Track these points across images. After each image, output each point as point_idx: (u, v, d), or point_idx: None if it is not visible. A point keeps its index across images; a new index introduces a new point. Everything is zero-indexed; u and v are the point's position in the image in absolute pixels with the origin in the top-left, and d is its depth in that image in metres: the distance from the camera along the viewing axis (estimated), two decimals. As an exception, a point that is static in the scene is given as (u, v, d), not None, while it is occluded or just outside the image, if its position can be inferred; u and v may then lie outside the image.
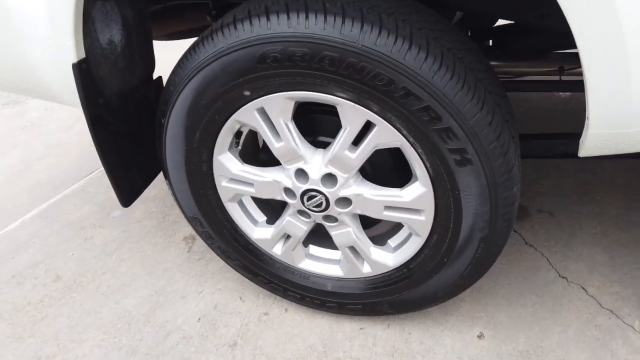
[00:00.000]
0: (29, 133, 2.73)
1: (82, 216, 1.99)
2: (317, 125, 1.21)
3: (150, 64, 1.37)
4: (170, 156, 1.25)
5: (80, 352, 1.42)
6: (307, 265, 1.36)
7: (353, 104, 1.02)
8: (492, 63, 1.37)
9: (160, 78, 1.41)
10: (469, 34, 1.72)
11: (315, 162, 1.15)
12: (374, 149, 1.08)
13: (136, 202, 1.98)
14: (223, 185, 1.27)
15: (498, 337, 1.33)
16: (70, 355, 1.42)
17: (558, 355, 1.26)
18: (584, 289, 1.43)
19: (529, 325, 1.35)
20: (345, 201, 1.17)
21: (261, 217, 1.37)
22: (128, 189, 1.36)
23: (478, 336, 1.33)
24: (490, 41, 1.69)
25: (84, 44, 1.12)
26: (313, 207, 1.20)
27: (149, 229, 1.87)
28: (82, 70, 1.13)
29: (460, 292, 1.25)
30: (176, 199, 1.36)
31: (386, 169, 1.20)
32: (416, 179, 1.10)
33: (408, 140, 1.03)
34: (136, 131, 1.35)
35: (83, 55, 1.12)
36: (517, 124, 1.10)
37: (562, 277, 1.47)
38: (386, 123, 1.02)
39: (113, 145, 1.29)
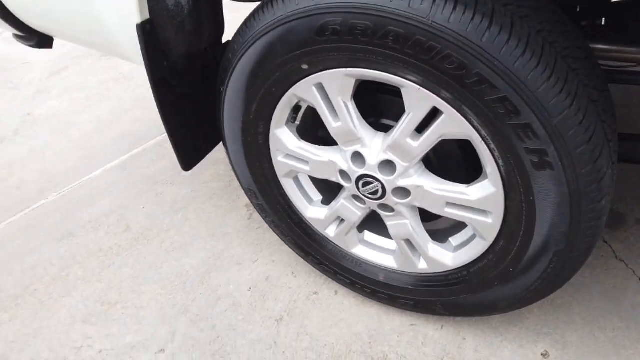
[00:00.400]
0: (120, 86, 2.86)
1: (156, 171, 2.07)
2: (381, 106, 1.10)
3: (220, 27, 1.32)
4: (228, 126, 1.22)
5: (139, 303, 1.50)
6: (360, 251, 1.29)
7: (418, 87, 0.90)
8: (599, 47, 1.15)
9: (229, 43, 1.36)
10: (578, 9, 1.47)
11: (374, 146, 1.05)
12: (439, 139, 0.96)
13: (206, 163, 2.04)
14: (279, 160, 1.22)
15: (565, 358, 1.18)
16: (129, 305, 1.50)
17: (634, 392, 1.10)
18: (681, 319, 1.23)
19: (605, 352, 1.18)
20: (403, 191, 1.07)
21: (317, 197, 1.31)
22: (189, 153, 1.36)
23: (542, 354, 1.19)
24: (603, 19, 1.43)
25: (149, 5, 1.09)
26: (368, 193, 1.11)
27: (215, 191, 1.90)
28: (146, 32, 1.11)
29: (526, 306, 1.11)
30: (233, 168, 1.34)
31: (454, 162, 1.07)
32: (486, 177, 0.97)
33: (479, 134, 0.90)
34: (201, 96, 1.33)
35: (147, 16, 1.10)
36: (617, 123, 0.91)
37: (655, 301, 1.27)
38: (455, 112, 0.90)
39: (176, 108, 1.28)
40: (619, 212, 1.53)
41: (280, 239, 1.43)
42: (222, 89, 1.16)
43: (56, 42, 1.74)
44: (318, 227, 1.31)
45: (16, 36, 1.58)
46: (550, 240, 0.94)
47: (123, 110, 2.57)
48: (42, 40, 1.56)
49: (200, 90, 1.32)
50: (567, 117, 0.80)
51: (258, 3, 1.05)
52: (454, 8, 0.79)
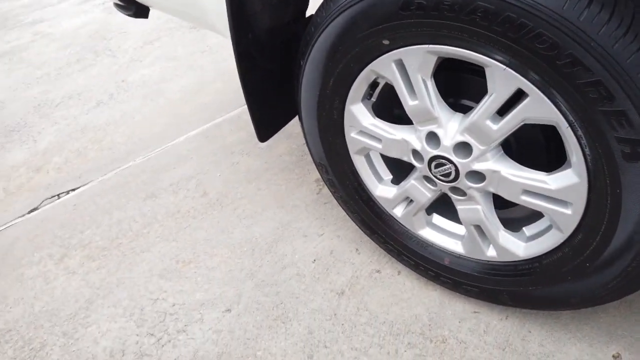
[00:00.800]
0: (206, 57, 2.99)
1: (234, 141, 2.16)
2: (461, 86, 1.07)
3: (304, 1, 1.34)
4: (305, 99, 1.24)
5: (210, 264, 1.59)
6: (427, 233, 1.28)
7: (504, 67, 0.87)
8: None
9: (312, 17, 1.38)
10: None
11: (451, 127, 1.03)
12: (522, 123, 0.92)
13: (281, 137, 2.09)
14: (352, 137, 1.23)
15: (639, 365, 1.11)
16: (201, 265, 1.59)
17: None
18: None
19: (686, 364, 1.10)
20: (477, 175, 1.04)
21: (387, 175, 1.31)
22: (266, 125, 1.41)
23: (614, 356, 1.13)
24: None
25: None
26: (440, 175, 1.09)
27: (287, 165, 1.95)
28: (234, 3, 1.15)
29: (601, 304, 1.05)
30: (307, 142, 1.37)
31: (535, 148, 1.02)
32: (569, 166, 0.92)
33: (566, 119, 0.85)
34: (281, 70, 1.36)
35: None
36: None
37: None
38: (541, 94, 0.85)
39: (257, 80, 1.32)
40: None
41: (347, 215, 1.45)
42: (301, 62, 1.18)
43: (151, 14, 1.86)
44: (386, 206, 1.31)
45: (116, 5, 1.70)
46: (634, 237, 0.88)
47: (207, 82, 2.70)
48: (139, 10, 1.67)
49: (281, 65, 1.35)
50: (669, 106, 0.74)
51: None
52: (550, -17, 0.75)
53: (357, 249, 1.53)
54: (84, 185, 2.07)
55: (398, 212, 1.30)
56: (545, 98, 0.85)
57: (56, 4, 4.36)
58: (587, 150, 0.86)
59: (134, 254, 1.69)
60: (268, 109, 1.39)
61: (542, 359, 1.15)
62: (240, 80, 1.28)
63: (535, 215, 1.09)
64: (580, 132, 0.85)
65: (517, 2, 0.77)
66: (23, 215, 1.97)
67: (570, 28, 0.75)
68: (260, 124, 1.38)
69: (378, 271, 1.45)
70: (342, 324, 1.33)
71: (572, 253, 0.99)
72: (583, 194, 0.91)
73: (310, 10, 1.33)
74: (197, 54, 3.05)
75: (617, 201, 0.86)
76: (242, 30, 1.20)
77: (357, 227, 1.47)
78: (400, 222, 1.31)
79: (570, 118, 0.85)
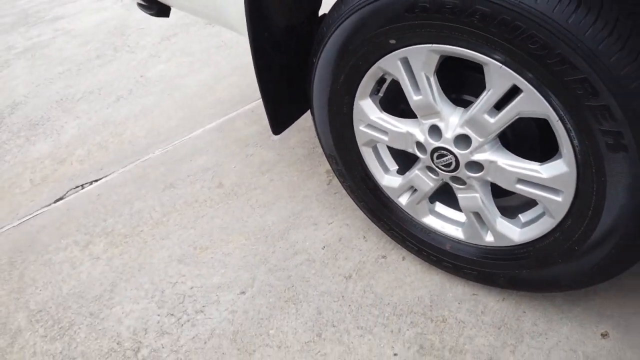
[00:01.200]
0: (221, 53, 3.09)
1: (248, 134, 2.25)
2: (462, 82, 1.15)
3: (317, 1, 1.43)
4: (317, 95, 1.33)
5: (226, 250, 1.68)
6: (429, 221, 1.36)
7: (500, 65, 0.95)
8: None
9: (325, 16, 1.46)
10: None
11: (452, 120, 1.11)
12: (517, 117, 1.00)
13: (293, 130, 2.18)
14: (360, 130, 1.32)
15: (625, 341, 1.18)
16: (217, 251, 1.69)
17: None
18: None
19: (671, 343, 1.17)
20: (476, 165, 1.13)
21: (393, 166, 1.39)
22: (280, 119, 1.50)
23: (602, 334, 1.20)
24: None
25: None
26: (442, 165, 1.17)
27: (299, 157, 2.04)
28: (252, 7, 1.23)
29: (590, 286, 1.13)
30: (318, 135, 1.45)
31: (529, 140, 1.10)
32: (560, 156, 1.00)
33: (557, 113, 0.93)
34: (295, 66, 1.45)
35: None
36: None
37: None
38: (534, 90, 0.93)
39: (272, 76, 1.40)
40: None
41: (355, 203, 1.54)
42: (314, 60, 1.27)
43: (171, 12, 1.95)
44: (391, 195, 1.40)
45: (139, 5, 1.79)
46: (618, 222, 0.96)
47: (222, 77, 2.79)
48: (161, 9, 1.77)
49: (295, 62, 1.43)
50: (647, 101, 0.82)
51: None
52: (542, -11, 0.83)
53: (364, 236, 1.61)
54: (105, 176, 2.18)
55: (403, 200, 1.38)
56: (538, 94, 0.93)
57: (76, 0, 4.48)
58: (575, 142, 0.94)
59: (154, 241, 1.79)
60: (282, 104, 1.48)
61: (535, 337, 1.23)
62: (256, 76, 1.37)
63: (529, 203, 1.17)
64: (569, 125, 0.93)
65: (511, 6, 0.85)
66: (49, 205, 2.08)
67: (560, 30, 0.83)
68: (275, 117, 1.46)
69: (384, 257, 1.53)
70: (349, 305, 1.42)
71: (562, 237, 1.08)
72: (572, 182, 0.99)
73: (324, 9, 1.41)
74: (213, 49, 3.14)
75: (603, 189, 0.94)
76: (259, 29, 1.29)
77: (364, 215, 1.56)
78: (405, 210, 1.39)
79: (560, 112, 0.93)
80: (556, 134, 0.97)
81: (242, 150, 2.16)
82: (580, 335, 1.22)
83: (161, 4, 1.73)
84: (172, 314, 1.51)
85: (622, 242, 0.98)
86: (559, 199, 1.03)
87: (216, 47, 3.15)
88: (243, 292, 1.53)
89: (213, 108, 2.51)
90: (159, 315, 1.52)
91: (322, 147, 1.48)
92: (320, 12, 1.43)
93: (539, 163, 1.04)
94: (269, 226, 1.74)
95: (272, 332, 1.40)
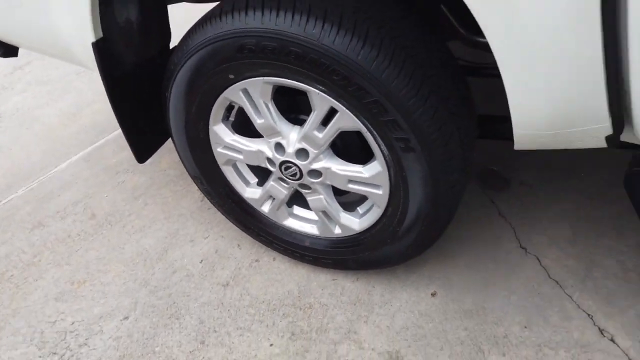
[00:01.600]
0: (82, 79, 2.99)
1: (117, 162, 2.27)
2: (298, 105, 1.37)
3: (166, 36, 1.53)
4: (174, 124, 1.46)
5: (105, 280, 1.73)
6: (290, 223, 1.57)
7: (318, 92, 1.17)
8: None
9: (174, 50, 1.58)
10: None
11: (291, 138, 1.32)
12: (338, 131, 1.23)
13: (163, 151, 2.24)
14: (218, 151, 1.47)
15: (449, 296, 1.50)
16: (96, 282, 1.72)
17: (497, 316, 1.43)
18: (538, 260, 1.56)
19: (479, 288, 1.50)
20: (316, 173, 1.35)
21: (253, 179, 1.57)
22: (143, 147, 1.58)
23: (432, 294, 1.51)
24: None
25: (102, 24, 1.29)
26: (289, 175, 1.38)
27: (171, 178, 2.13)
28: (100, 48, 1.31)
29: (411, 258, 1.43)
30: (181, 159, 1.58)
31: (355, 148, 1.35)
32: (375, 159, 1.25)
33: (365, 126, 1.18)
34: (151, 97, 1.54)
35: (101, 34, 1.29)
36: (474, 111, 1.21)
37: (522, 248, 1.60)
38: (346, 110, 1.17)
39: (129, 108, 1.47)
40: (505, 177, 1.85)
41: (225, 217, 1.69)
42: (166, 94, 1.40)
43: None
44: (255, 205, 1.58)
45: (-18, 46, 1.75)
46: (421, 206, 1.24)
47: (85, 104, 2.74)
48: (8, 50, 1.74)
49: (149, 94, 1.53)
50: (422, 114, 1.08)
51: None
52: (337, 32, 1.05)
53: (238, 245, 1.77)
54: (-38, 224, 2.06)
55: (265, 208, 1.57)
56: (349, 112, 1.17)
57: None
58: (382, 147, 1.20)
59: (27, 284, 1.75)
60: (143, 133, 1.56)
61: (382, 306, 1.50)
62: (113, 109, 1.43)
63: (364, 198, 1.43)
64: (375, 135, 1.18)
65: (316, 47, 1.07)
66: None
67: (352, 64, 1.06)
68: (137, 147, 1.55)
69: (257, 260, 1.71)
70: (228, 310, 1.56)
71: (387, 223, 1.34)
72: (386, 178, 1.25)
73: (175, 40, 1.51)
74: (72, 75, 3.04)
75: (405, 182, 1.21)
76: (110, 68, 1.37)
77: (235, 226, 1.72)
78: (268, 216, 1.58)
79: (368, 126, 1.17)
80: (369, 142, 1.22)
81: (112, 178, 2.18)
82: (416, 297, 1.51)
83: (7, 44, 1.71)
84: (54, 353, 1.52)
85: (428, 221, 1.27)
86: (380, 192, 1.29)
87: (76, 73, 3.05)
88: (126, 317, 1.59)
89: (78, 138, 2.47)
90: (40, 357, 1.51)
91: (187, 170, 1.61)
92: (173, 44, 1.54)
93: (362, 165, 1.29)
94: (147, 250, 1.82)
95: (157, 349, 1.49)
